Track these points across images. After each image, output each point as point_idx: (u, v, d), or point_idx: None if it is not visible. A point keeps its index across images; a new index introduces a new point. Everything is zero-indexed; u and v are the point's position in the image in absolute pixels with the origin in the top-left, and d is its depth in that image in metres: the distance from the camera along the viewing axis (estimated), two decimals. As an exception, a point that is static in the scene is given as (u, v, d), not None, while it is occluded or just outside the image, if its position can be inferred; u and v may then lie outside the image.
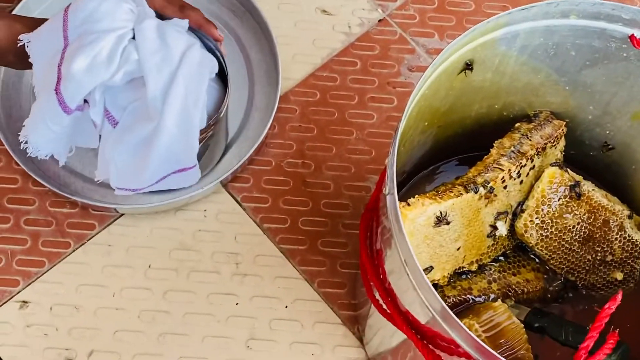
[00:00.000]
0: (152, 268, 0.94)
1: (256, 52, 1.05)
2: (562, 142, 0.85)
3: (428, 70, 0.65)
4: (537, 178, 0.83)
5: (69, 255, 0.95)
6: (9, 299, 0.92)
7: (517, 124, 0.84)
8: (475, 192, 0.78)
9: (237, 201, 0.98)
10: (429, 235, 0.77)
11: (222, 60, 0.86)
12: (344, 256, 0.96)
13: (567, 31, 0.72)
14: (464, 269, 0.82)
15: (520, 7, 0.66)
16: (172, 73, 0.76)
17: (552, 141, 0.83)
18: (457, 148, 0.91)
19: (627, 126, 0.83)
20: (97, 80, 0.75)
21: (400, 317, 0.67)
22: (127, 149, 0.79)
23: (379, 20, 1.09)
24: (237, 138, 1.00)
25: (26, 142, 0.80)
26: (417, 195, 0.76)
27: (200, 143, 0.83)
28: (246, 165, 0.99)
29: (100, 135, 0.83)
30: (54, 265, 0.94)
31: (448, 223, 0.77)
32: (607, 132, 0.85)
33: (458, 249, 0.80)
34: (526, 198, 0.83)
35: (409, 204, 0.75)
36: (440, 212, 0.76)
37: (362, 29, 1.08)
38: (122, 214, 0.96)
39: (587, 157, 0.89)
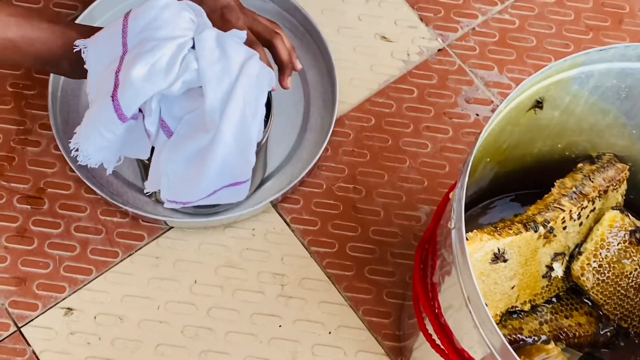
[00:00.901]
0: (197, 283, 0.94)
1: (314, 74, 1.05)
2: (624, 186, 0.84)
3: (502, 105, 0.64)
4: (597, 221, 0.82)
5: (116, 264, 0.95)
6: (54, 305, 0.92)
7: (580, 165, 0.83)
8: (535, 231, 0.77)
9: (286, 222, 0.98)
10: (485, 271, 0.76)
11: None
12: (390, 285, 0.95)
13: (642, 74, 0.71)
14: (517, 309, 0.81)
15: (598, 48, 0.66)
16: (231, 84, 0.75)
17: (614, 184, 0.82)
18: (513, 184, 0.90)
19: (691, 174, 0.81)
20: (155, 88, 0.75)
21: (455, 354, 0.66)
22: (181, 160, 0.78)
23: (439, 50, 1.09)
24: (290, 159, 1.00)
25: (77, 150, 0.79)
26: (475, 230, 0.75)
27: None
28: (297, 187, 0.99)
29: (152, 147, 0.83)
30: (101, 274, 0.94)
31: (505, 260, 0.76)
32: (671, 178, 0.83)
33: (512, 288, 0.79)
34: (584, 240, 0.82)
35: (467, 239, 0.74)
36: (498, 249, 0.75)
37: (420, 58, 1.08)
38: (172, 227, 0.96)
39: (647, 204, 0.88)
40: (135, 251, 0.95)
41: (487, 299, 0.77)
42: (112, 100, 0.74)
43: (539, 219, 0.78)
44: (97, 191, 0.94)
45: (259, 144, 0.84)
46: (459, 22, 1.11)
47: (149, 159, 0.81)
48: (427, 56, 1.08)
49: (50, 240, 0.95)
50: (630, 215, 0.82)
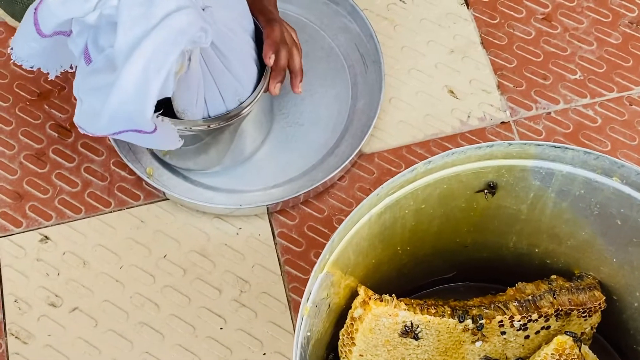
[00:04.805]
0: (166, 259, 0.94)
1: (363, 105, 1.02)
2: (596, 317, 0.74)
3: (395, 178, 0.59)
4: (549, 341, 0.73)
5: (104, 214, 0.97)
6: (36, 229, 0.96)
7: (554, 276, 0.75)
8: (460, 322, 0.70)
9: (273, 233, 0.96)
10: (392, 341, 0.70)
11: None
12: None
13: (611, 194, 0.62)
14: (427, 398, 0.74)
15: (552, 144, 0.58)
16: (146, 32, 0.72)
17: (581, 310, 0.73)
18: (495, 274, 0.82)
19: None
20: (70, 14, 0.75)
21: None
22: (90, 90, 0.78)
23: (502, 122, 1.02)
24: (305, 175, 0.98)
25: (12, 49, 0.82)
26: (394, 295, 0.70)
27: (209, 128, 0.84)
28: (299, 204, 0.97)
29: None
30: (88, 217, 0.97)
31: (417, 338, 0.70)
32: (650, 327, 0.73)
33: (425, 373, 0.72)
34: (528, 356, 0.74)
35: (381, 299, 0.69)
36: (412, 323, 0.69)
37: (480, 124, 1.02)
38: (167, 199, 0.97)
39: (630, 350, 0.77)
40: (126, 208, 0.97)
41: (390, 373, 0.71)
42: (34, 14, 0.76)
43: (474, 311, 0.71)
44: (114, 144, 0.97)
45: (238, 114, 0.86)
46: (537, 101, 1.03)
47: None
48: (487, 124, 1.02)
49: (60, 171, 0.99)
50: (584, 347, 0.72)
